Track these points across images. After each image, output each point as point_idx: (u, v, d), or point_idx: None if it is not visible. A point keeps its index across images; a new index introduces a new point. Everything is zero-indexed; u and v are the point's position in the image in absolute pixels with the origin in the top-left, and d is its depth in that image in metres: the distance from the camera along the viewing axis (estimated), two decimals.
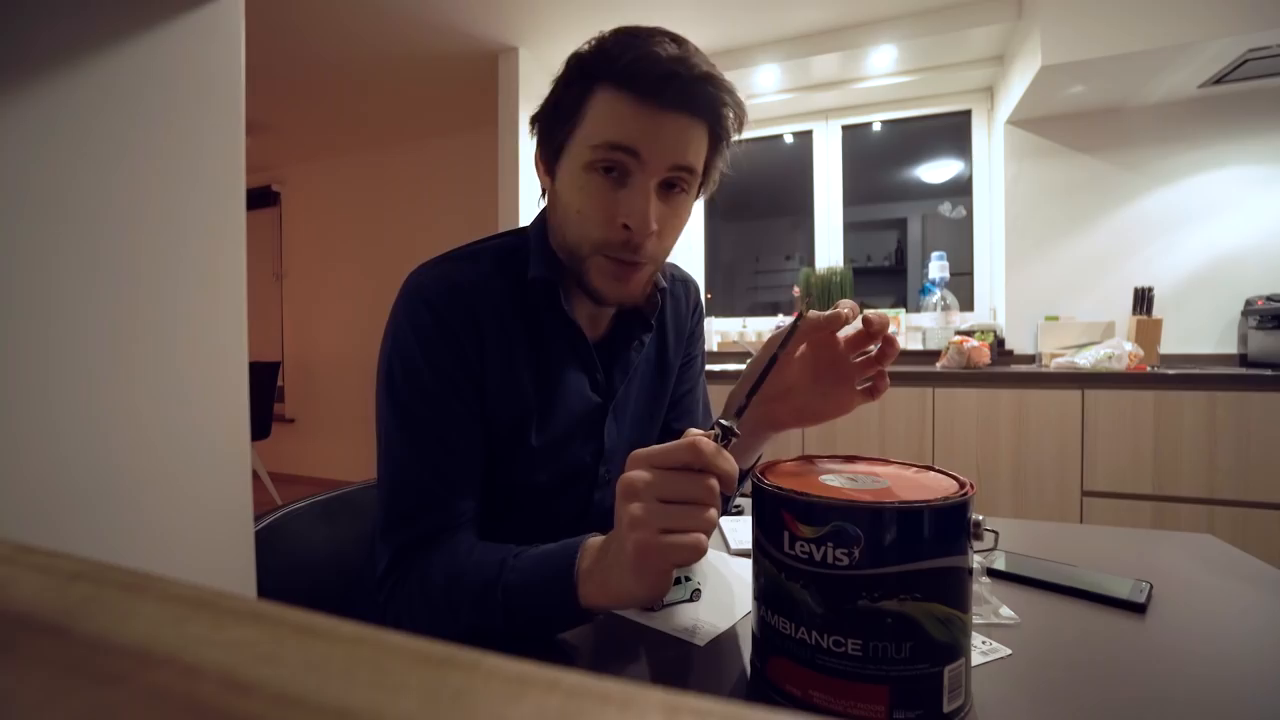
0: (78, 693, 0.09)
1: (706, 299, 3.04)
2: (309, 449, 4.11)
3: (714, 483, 0.41)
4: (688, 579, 0.58)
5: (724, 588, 0.60)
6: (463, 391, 0.60)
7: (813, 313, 0.52)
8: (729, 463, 0.41)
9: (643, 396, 0.75)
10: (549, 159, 0.63)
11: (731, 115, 0.60)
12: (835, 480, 0.43)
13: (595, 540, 0.49)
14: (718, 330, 2.85)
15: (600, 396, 0.69)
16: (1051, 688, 0.43)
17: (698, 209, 2.98)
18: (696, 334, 0.84)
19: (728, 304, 3.07)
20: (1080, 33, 1.89)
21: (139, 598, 0.12)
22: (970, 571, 0.39)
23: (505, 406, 0.63)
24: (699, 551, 0.40)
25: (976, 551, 0.40)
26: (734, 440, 0.43)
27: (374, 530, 0.60)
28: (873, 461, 0.48)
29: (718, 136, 0.61)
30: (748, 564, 0.58)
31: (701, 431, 0.42)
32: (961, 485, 0.41)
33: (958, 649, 0.38)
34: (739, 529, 0.78)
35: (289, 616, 0.11)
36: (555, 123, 0.60)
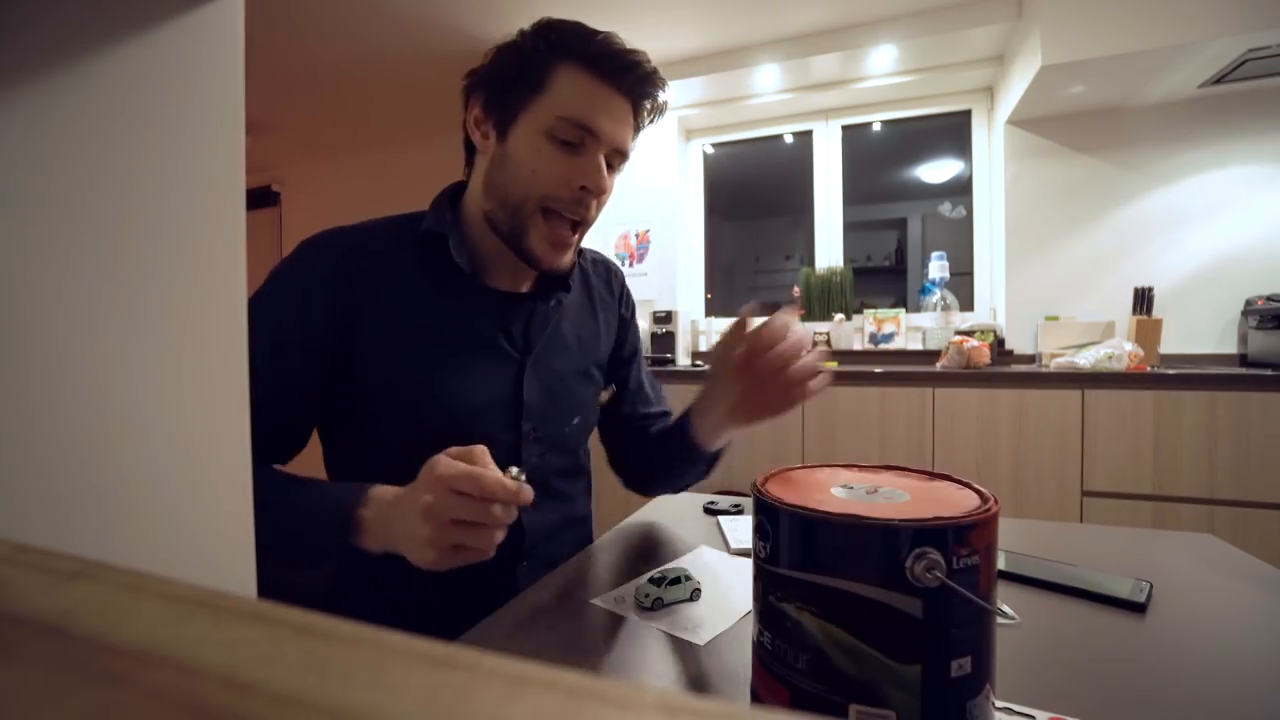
0: (77, 693, 0.09)
1: (706, 299, 3.04)
2: (309, 448, 4.11)
3: (498, 510, 0.48)
4: (688, 578, 0.58)
5: (724, 588, 0.60)
6: (296, 343, 0.63)
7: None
8: (503, 487, 0.48)
9: (567, 356, 0.77)
10: (501, 120, 0.66)
11: (652, 112, 0.69)
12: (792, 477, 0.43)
13: (382, 492, 0.56)
14: (718, 330, 2.85)
15: (517, 352, 0.71)
16: (1051, 687, 0.42)
17: (698, 209, 2.98)
18: (631, 325, 0.88)
19: (728, 304, 3.07)
20: (1080, 33, 1.89)
21: (139, 598, 0.12)
22: (911, 618, 0.32)
23: (395, 354, 0.65)
24: (482, 557, 0.50)
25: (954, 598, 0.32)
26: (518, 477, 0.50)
27: None
28: (878, 471, 0.48)
29: (638, 128, 0.69)
30: (748, 564, 0.58)
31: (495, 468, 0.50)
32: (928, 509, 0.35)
33: (875, 693, 0.33)
34: (739, 529, 0.78)
35: (289, 616, 0.11)
36: (512, 88, 0.64)
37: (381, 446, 0.67)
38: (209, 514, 0.34)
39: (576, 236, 0.69)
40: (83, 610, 0.12)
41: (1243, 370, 1.84)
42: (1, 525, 0.25)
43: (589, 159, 0.64)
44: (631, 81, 0.65)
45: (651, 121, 0.70)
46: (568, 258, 0.70)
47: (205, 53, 0.32)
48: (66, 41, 0.27)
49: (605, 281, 0.86)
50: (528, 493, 0.50)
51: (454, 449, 0.52)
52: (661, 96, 0.68)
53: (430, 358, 0.67)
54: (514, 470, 0.50)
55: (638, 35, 2.58)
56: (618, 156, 0.67)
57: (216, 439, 0.34)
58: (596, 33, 0.64)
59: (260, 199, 4.06)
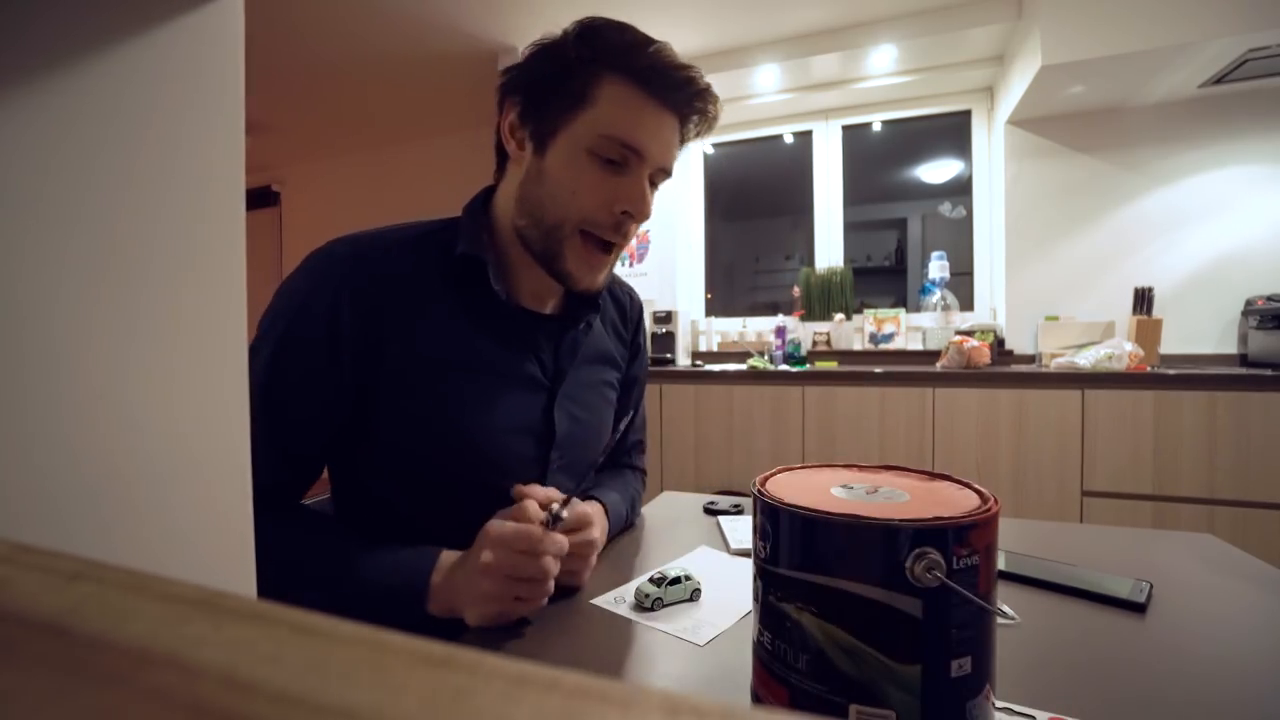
0: (78, 693, 0.09)
1: (706, 299, 3.04)
2: None
3: (547, 561, 0.51)
4: (688, 579, 0.58)
5: (724, 588, 0.60)
6: (323, 368, 0.59)
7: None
8: (556, 544, 0.52)
9: (592, 381, 0.74)
10: (538, 132, 0.61)
11: (700, 126, 0.65)
12: (794, 478, 0.43)
13: (448, 556, 0.55)
14: (718, 330, 2.85)
15: (547, 379, 0.68)
16: (1051, 687, 0.42)
17: (698, 209, 2.98)
18: (641, 349, 0.85)
19: (728, 304, 3.07)
20: (1080, 33, 1.89)
21: (139, 598, 0.12)
22: (911, 618, 0.32)
23: (412, 377, 0.61)
24: (534, 608, 0.53)
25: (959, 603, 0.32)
26: (562, 521, 0.54)
27: None
28: (878, 470, 0.48)
29: (683, 143, 0.65)
30: (748, 564, 0.58)
31: (545, 500, 0.55)
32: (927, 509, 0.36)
33: (875, 693, 0.33)
34: (739, 529, 0.78)
35: (289, 616, 0.11)
36: (552, 98, 0.60)
37: (400, 475, 0.64)
38: (208, 514, 0.34)
39: (612, 257, 0.65)
40: (83, 610, 0.12)
41: (1243, 370, 1.84)
42: (1, 525, 0.25)
43: (633, 180, 0.60)
44: (683, 99, 0.60)
45: (698, 137, 0.66)
46: (603, 278, 0.67)
47: (205, 53, 0.32)
48: (66, 42, 0.27)
49: (624, 306, 0.83)
50: (565, 544, 0.53)
51: (506, 510, 0.55)
52: (713, 112, 0.63)
53: (462, 390, 0.62)
54: (554, 507, 0.54)
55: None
56: (662, 175, 0.63)
57: (216, 439, 0.34)
58: (647, 42, 0.59)
59: (260, 199, 4.06)
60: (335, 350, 0.59)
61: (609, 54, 0.58)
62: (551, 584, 0.52)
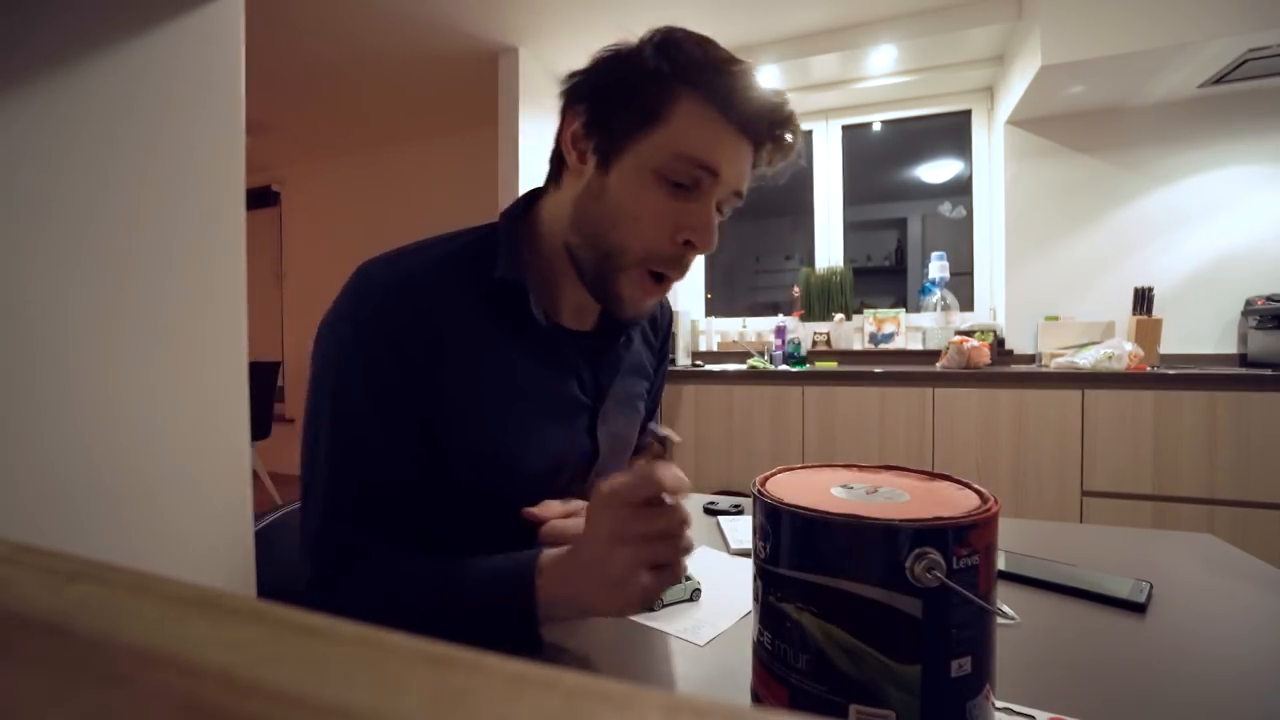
0: (78, 693, 0.09)
1: (706, 299, 3.04)
2: (290, 446, 4.11)
3: (686, 514, 0.45)
4: (688, 578, 0.58)
5: (724, 588, 0.60)
6: (403, 404, 0.55)
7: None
8: (677, 480, 0.45)
9: (628, 395, 0.72)
10: (604, 147, 0.56)
11: (773, 154, 0.59)
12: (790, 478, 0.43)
13: (549, 557, 0.49)
14: (718, 330, 2.85)
15: (588, 398, 0.65)
16: (1051, 687, 0.42)
17: None
18: (664, 366, 0.81)
19: (728, 304, 3.07)
20: (1080, 33, 1.89)
21: (139, 598, 0.12)
22: (911, 618, 0.32)
23: (467, 411, 0.57)
24: (680, 577, 0.46)
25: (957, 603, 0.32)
26: (673, 443, 0.45)
27: (302, 533, 0.55)
28: (878, 470, 0.48)
29: (755, 168, 0.60)
30: (748, 564, 0.58)
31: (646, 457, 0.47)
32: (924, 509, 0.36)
33: (875, 693, 0.33)
34: (739, 529, 0.78)
35: (289, 616, 0.11)
36: (623, 111, 0.55)
37: (441, 501, 0.60)
38: (209, 514, 0.34)
39: (665, 288, 0.61)
40: (83, 610, 0.12)
41: (1243, 370, 1.84)
42: (1, 525, 0.25)
43: (701, 207, 0.56)
44: (763, 126, 0.56)
45: (768, 166, 0.60)
46: (652, 306, 0.62)
47: (205, 53, 0.32)
48: (68, 43, 0.28)
49: (655, 314, 0.79)
50: (688, 481, 0.46)
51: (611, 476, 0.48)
52: (791, 142, 0.58)
53: (511, 419, 0.60)
54: (654, 426, 0.46)
55: (638, 35, 2.57)
56: (733, 199, 0.58)
57: (216, 438, 0.34)
58: (730, 60, 0.54)
59: (260, 199, 4.06)
60: (406, 370, 0.55)
61: (689, 70, 0.54)
62: (691, 535, 0.46)
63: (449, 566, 0.52)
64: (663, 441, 0.45)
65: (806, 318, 2.70)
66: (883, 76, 2.54)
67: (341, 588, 0.52)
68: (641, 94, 0.54)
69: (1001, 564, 0.63)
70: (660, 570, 0.44)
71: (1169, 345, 2.17)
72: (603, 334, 0.68)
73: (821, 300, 2.70)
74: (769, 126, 0.56)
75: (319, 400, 0.55)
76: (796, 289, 2.73)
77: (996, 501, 0.36)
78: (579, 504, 0.59)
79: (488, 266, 0.59)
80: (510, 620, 0.48)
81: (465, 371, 0.57)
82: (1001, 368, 2.04)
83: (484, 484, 0.60)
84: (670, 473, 0.44)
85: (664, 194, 0.55)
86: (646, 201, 0.55)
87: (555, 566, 0.48)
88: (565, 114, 0.59)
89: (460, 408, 0.57)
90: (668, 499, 0.45)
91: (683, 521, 0.45)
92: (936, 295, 2.50)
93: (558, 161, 0.62)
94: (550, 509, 0.59)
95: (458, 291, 0.58)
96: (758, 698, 0.39)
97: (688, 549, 0.46)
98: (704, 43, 0.55)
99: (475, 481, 0.59)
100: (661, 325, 0.81)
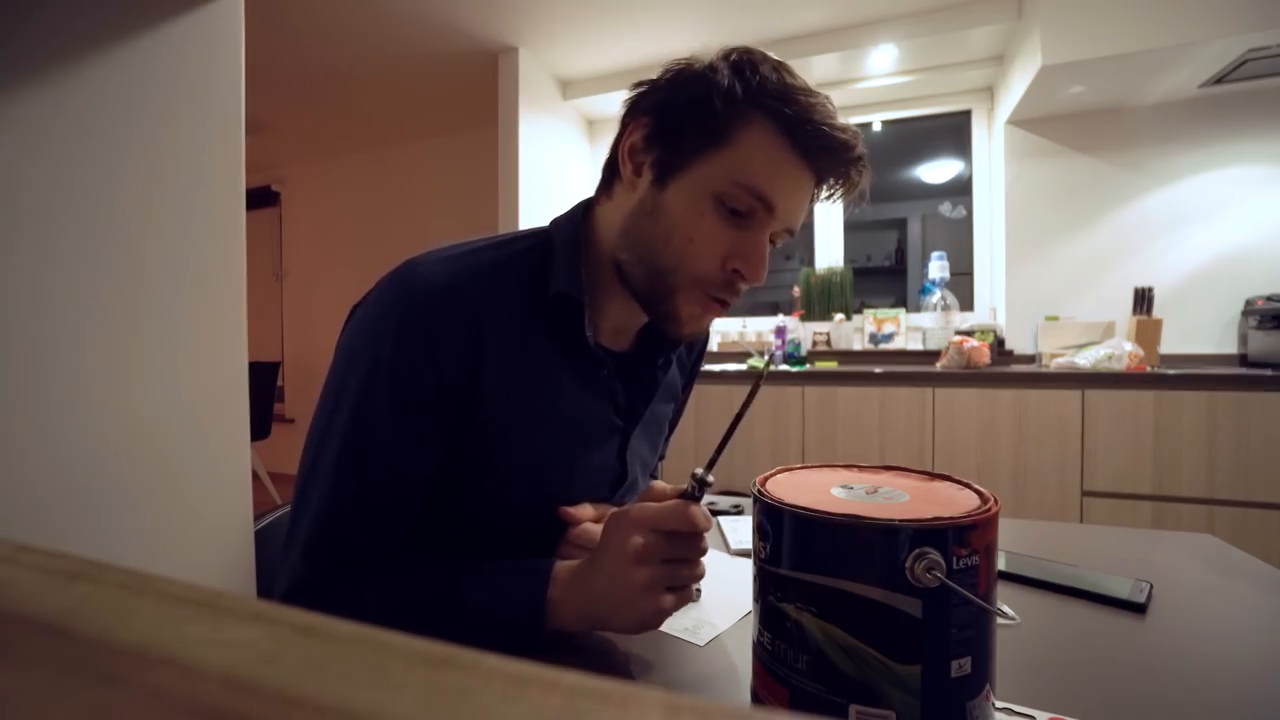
0: (78, 693, 0.09)
1: None
2: (292, 443, 4.11)
3: (704, 543, 0.47)
4: None
5: (724, 588, 0.60)
6: (429, 411, 0.53)
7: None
8: (706, 520, 0.46)
9: (656, 419, 0.71)
10: (664, 163, 0.55)
11: (833, 190, 0.58)
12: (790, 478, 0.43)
13: (563, 568, 0.49)
14: (718, 330, 2.85)
15: (621, 419, 0.64)
16: (1051, 687, 0.42)
17: None
18: (695, 375, 0.81)
19: None
20: (1080, 33, 1.89)
21: (139, 598, 0.12)
22: (911, 618, 0.32)
23: (510, 428, 0.56)
24: (687, 600, 0.48)
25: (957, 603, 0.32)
26: (707, 489, 0.46)
27: (289, 530, 0.53)
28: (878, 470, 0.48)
29: (812, 202, 0.58)
30: (748, 564, 0.58)
31: (674, 488, 0.50)
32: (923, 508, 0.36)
33: (875, 693, 0.33)
34: (739, 529, 0.78)
35: (289, 616, 0.11)
36: (690, 131, 0.53)
37: (466, 517, 0.59)
38: (209, 514, 0.34)
39: (720, 309, 0.59)
40: (83, 610, 0.12)
41: (1243, 370, 1.84)
42: (1, 525, 0.25)
43: (753, 236, 0.54)
44: (830, 163, 0.54)
45: (828, 200, 0.58)
46: (708, 324, 0.61)
47: (205, 53, 0.32)
48: (68, 42, 0.27)
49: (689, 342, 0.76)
50: (711, 519, 0.48)
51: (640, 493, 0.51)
52: (858, 182, 0.57)
53: (548, 439, 0.58)
54: (699, 472, 0.46)
55: (638, 36, 2.58)
56: (784, 235, 0.57)
57: (216, 437, 0.34)
58: (807, 91, 0.52)
59: (260, 199, 4.06)
60: (440, 378, 0.53)
61: (763, 94, 0.51)
62: (704, 565, 0.48)
63: (459, 566, 0.52)
64: (701, 484, 0.46)
65: (806, 318, 2.69)
66: (883, 76, 2.54)
67: (340, 588, 0.51)
68: (710, 112, 0.52)
69: (1001, 564, 0.63)
70: (678, 592, 0.46)
71: (1169, 345, 2.17)
72: (640, 356, 0.66)
73: (822, 300, 2.70)
74: (836, 164, 0.54)
75: (340, 390, 0.53)
76: (796, 289, 2.73)
77: (997, 501, 0.36)
78: (613, 510, 0.60)
79: (541, 278, 0.57)
80: (518, 625, 0.48)
81: (506, 386, 0.55)
82: (1001, 368, 2.04)
83: (517, 498, 0.58)
84: (703, 512, 0.46)
85: (720, 219, 0.53)
86: (701, 225, 0.53)
87: (571, 578, 0.48)
88: (627, 124, 0.57)
89: (499, 423, 0.55)
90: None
91: (703, 550, 0.47)
92: (936, 295, 2.50)
93: (610, 171, 0.60)
94: (585, 511, 0.59)
95: (508, 302, 0.56)
96: (758, 698, 0.39)
97: (702, 574, 0.48)
98: (780, 68, 0.53)
99: (509, 496, 0.58)
100: (696, 346, 0.79)
